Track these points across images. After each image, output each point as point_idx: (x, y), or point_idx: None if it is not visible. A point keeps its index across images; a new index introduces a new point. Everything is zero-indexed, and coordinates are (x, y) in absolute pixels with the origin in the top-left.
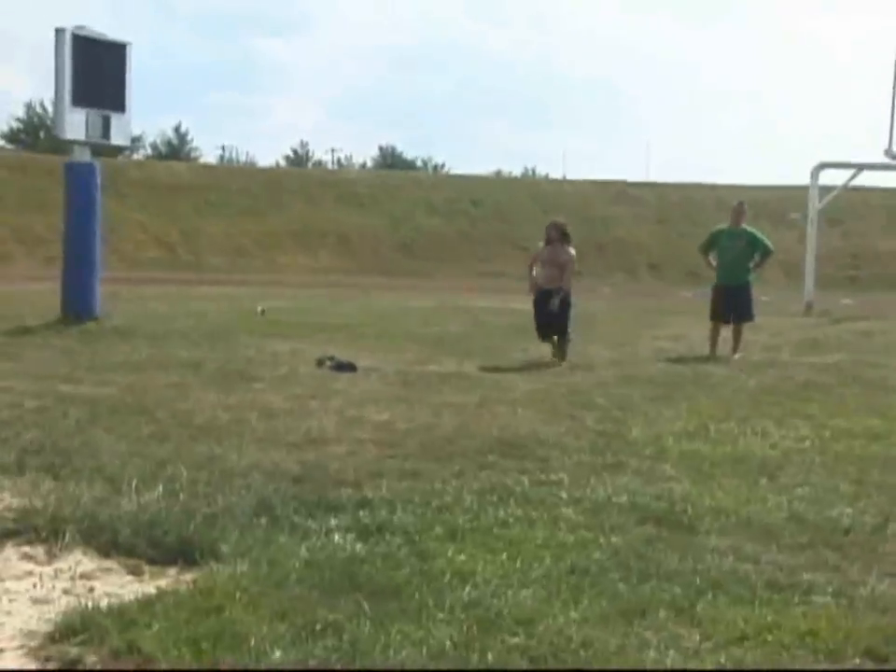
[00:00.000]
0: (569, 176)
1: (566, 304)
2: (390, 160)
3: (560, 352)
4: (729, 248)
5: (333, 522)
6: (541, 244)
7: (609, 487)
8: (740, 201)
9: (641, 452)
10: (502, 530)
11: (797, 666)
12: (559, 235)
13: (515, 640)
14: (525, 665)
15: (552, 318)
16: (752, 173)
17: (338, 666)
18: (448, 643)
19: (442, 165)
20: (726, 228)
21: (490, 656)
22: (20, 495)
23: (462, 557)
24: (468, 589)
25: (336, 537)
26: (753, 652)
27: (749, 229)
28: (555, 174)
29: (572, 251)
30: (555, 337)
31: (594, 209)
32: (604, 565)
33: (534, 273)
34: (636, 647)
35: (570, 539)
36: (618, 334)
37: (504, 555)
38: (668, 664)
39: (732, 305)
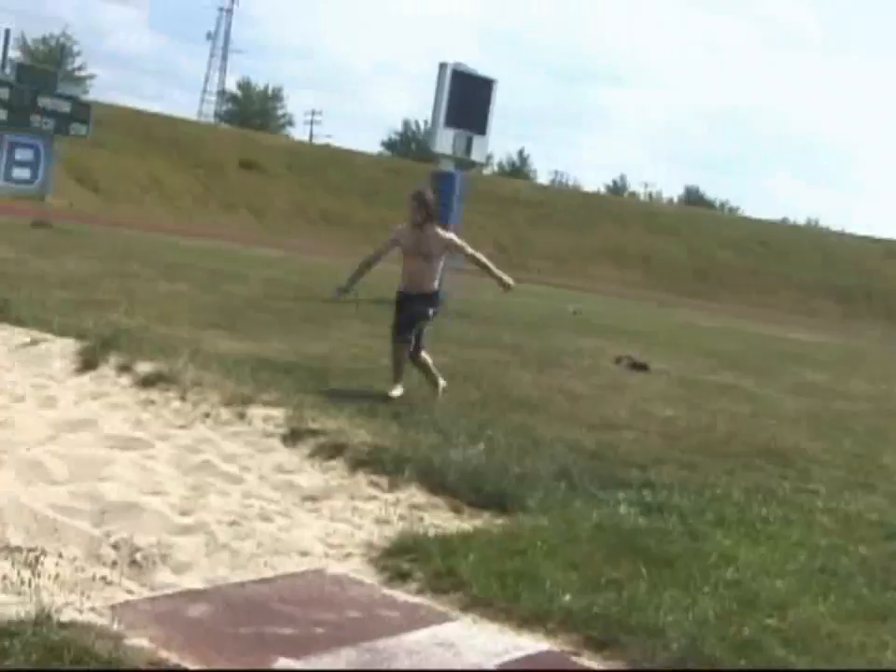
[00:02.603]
0: (848, 230)
1: (430, 307)
2: (693, 198)
3: (429, 377)
4: None
5: (621, 495)
6: (401, 225)
7: (861, 503)
8: None
9: (892, 477)
10: (764, 525)
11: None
12: (424, 213)
13: (769, 621)
14: (777, 645)
15: (414, 317)
16: None
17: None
18: (711, 613)
19: (737, 208)
20: None
21: (746, 631)
22: (372, 434)
23: (728, 542)
24: (730, 570)
25: (622, 508)
26: None
27: None
28: (835, 227)
29: (444, 234)
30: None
31: (866, 262)
32: (851, 570)
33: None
34: (875, 646)
35: (823, 542)
36: (880, 373)
37: (764, 547)
38: None
39: None
